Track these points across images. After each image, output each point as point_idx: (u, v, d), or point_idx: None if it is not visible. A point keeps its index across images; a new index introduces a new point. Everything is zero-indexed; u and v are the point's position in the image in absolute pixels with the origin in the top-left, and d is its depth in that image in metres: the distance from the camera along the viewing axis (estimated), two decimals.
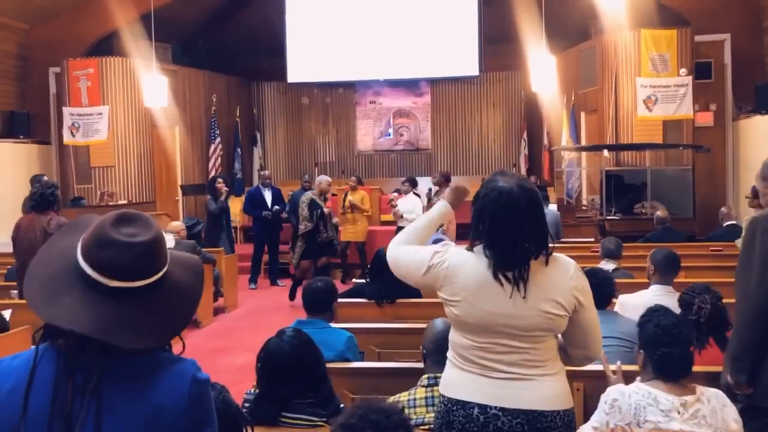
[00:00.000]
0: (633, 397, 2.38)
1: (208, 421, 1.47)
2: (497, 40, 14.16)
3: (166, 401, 1.41)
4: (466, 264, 2.23)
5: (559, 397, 2.21)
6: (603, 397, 2.46)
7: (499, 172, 2.27)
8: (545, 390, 2.18)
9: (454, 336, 2.29)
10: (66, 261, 1.46)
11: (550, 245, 2.22)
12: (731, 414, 2.39)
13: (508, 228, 2.16)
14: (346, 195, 10.25)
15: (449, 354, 2.32)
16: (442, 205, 2.54)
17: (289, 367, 2.59)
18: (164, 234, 1.57)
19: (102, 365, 1.39)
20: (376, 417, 1.57)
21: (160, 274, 1.46)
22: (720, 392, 2.43)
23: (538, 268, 2.19)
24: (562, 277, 2.21)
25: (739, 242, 6.02)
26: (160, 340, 1.47)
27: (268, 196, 10.08)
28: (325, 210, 9.13)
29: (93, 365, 1.39)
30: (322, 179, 9.51)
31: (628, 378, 2.72)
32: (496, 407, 2.16)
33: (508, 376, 2.18)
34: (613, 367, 2.82)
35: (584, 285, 2.25)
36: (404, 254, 2.39)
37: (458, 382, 2.24)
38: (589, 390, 3.08)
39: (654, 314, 2.52)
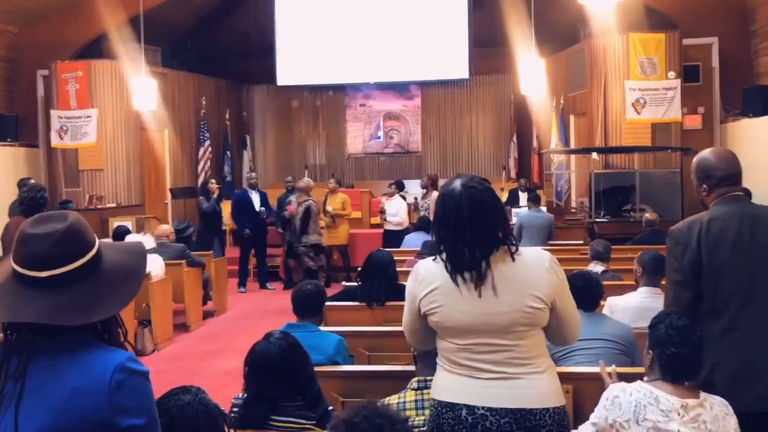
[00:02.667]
0: (634, 395, 2.39)
1: (137, 413, 1.47)
2: (487, 44, 14.21)
3: (86, 383, 1.44)
4: (434, 270, 2.26)
5: (548, 394, 2.20)
6: (605, 394, 2.47)
7: (457, 175, 2.30)
8: (533, 388, 2.18)
9: (440, 342, 2.31)
10: (6, 270, 1.57)
11: (513, 242, 2.23)
12: (732, 424, 2.39)
13: (454, 229, 2.20)
14: (325, 199, 10.16)
15: (438, 359, 2.32)
16: None
17: (277, 370, 2.58)
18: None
19: (31, 348, 1.48)
20: (380, 421, 1.57)
21: (85, 258, 1.53)
22: (725, 401, 2.44)
23: (504, 264, 2.19)
24: (537, 270, 2.21)
25: None
26: (95, 316, 1.52)
27: (255, 198, 10.03)
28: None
29: (24, 349, 1.48)
30: (300, 182, 9.71)
31: (622, 380, 2.74)
32: (483, 407, 2.16)
33: (496, 375, 2.18)
34: (608, 369, 2.84)
35: (561, 275, 2.27)
36: (404, 326, 2.44)
37: (447, 384, 2.25)
38: (579, 392, 3.08)
39: (667, 316, 2.52)
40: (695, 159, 2.89)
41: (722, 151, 2.91)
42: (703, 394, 2.41)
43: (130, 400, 1.46)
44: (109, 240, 1.61)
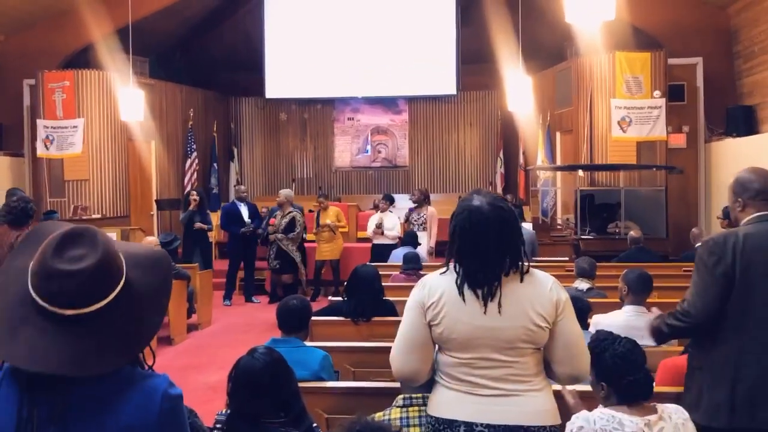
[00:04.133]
0: (598, 422, 2.40)
1: None
2: (474, 60, 14.29)
3: (137, 420, 1.37)
4: (443, 282, 2.28)
5: (545, 412, 2.23)
6: (569, 425, 2.47)
7: (475, 191, 2.32)
8: (531, 405, 2.20)
9: (439, 357, 2.32)
10: (21, 289, 1.38)
11: (525, 263, 2.25)
12: (691, 428, 2.43)
13: (477, 245, 2.21)
14: (318, 215, 10.18)
15: (436, 376, 2.33)
16: None
17: (261, 386, 2.57)
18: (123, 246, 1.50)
19: (66, 396, 1.34)
20: None
21: (115, 292, 1.38)
22: (680, 408, 2.47)
23: (513, 284, 2.22)
24: (541, 290, 2.24)
25: None
26: (127, 357, 1.41)
27: (244, 211, 10.02)
28: (270, 228, 9.63)
29: (57, 395, 1.34)
30: (280, 197, 9.92)
31: (587, 399, 2.75)
32: (481, 424, 2.18)
33: (494, 392, 2.20)
34: (569, 388, 2.84)
35: (564, 298, 2.28)
36: (398, 345, 2.34)
37: (445, 401, 2.26)
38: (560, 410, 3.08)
39: (607, 343, 2.52)
40: (734, 178, 2.92)
41: (759, 168, 2.93)
42: (659, 407, 2.44)
43: (176, 426, 1.43)
44: (133, 245, 1.45)
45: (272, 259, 9.71)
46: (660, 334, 3.01)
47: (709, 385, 2.72)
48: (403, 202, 12.01)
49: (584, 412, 2.50)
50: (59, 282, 1.33)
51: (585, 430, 2.40)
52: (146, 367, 1.50)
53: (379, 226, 9.65)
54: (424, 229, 9.11)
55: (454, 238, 2.27)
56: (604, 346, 2.52)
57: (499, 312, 2.18)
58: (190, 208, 9.91)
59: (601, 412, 2.44)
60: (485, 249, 2.20)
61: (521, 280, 2.23)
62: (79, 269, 1.34)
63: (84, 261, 1.35)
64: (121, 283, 1.40)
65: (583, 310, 3.73)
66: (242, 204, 10.10)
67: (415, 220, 9.29)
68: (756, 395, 2.62)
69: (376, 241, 9.74)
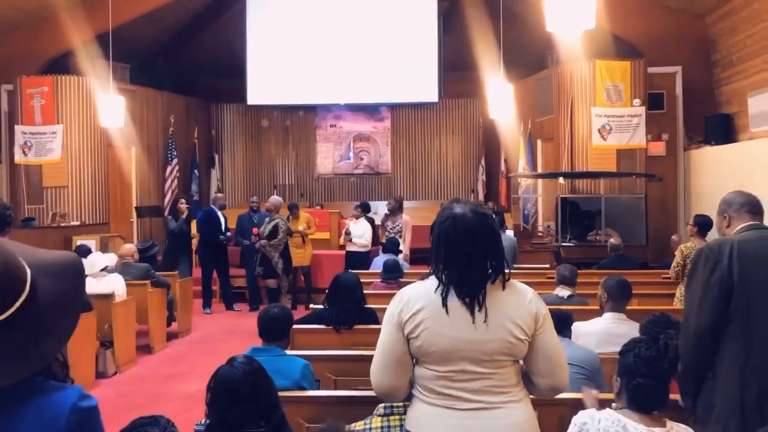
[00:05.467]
0: (602, 422, 2.40)
1: None
2: (456, 68, 14.36)
3: None
4: (423, 293, 2.24)
5: (525, 423, 2.21)
6: (574, 419, 2.48)
7: (455, 200, 2.30)
8: (511, 417, 2.19)
9: (417, 370, 2.28)
10: None
11: (507, 270, 2.24)
12: None
13: (464, 253, 2.18)
14: (288, 221, 10.07)
15: (414, 390, 2.30)
16: None
17: (241, 395, 2.55)
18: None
19: None
20: None
21: (17, 304, 1.31)
22: (691, 430, 2.46)
23: (496, 292, 2.21)
24: (520, 301, 2.23)
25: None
26: (29, 369, 1.34)
27: (222, 219, 9.98)
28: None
29: None
30: (270, 203, 9.89)
31: (601, 405, 2.75)
32: None
33: (474, 405, 2.17)
34: (594, 393, 2.85)
35: (543, 310, 2.26)
36: (376, 360, 2.30)
37: (424, 417, 2.23)
38: (542, 418, 3.08)
39: (637, 344, 2.54)
40: (722, 198, 3.01)
41: (742, 190, 3.03)
42: (669, 423, 2.43)
43: None
44: (42, 252, 1.39)
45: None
46: (682, 390, 2.86)
47: (720, 394, 2.71)
48: (385, 209, 12.00)
49: (591, 410, 2.51)
50: None
51: (588, 426, 2.41)
52: (68, 379, 1.45)
53: (348, 233, 9.71)
54: (400, 236, 9.18)
55: (439, 245, 2.23)
56: (633, 345, 2.53)
57: (485, 322, 2.15)
58: (183, 216, 9.84)
59: (608, 414, 2.44)
60: (472, 257, 2.18)
61: (503, 289, 2.22)
62: None
63: None
64: (23, 295, 1.34)
65: (564, 321, 3.72)
66: (220, 212, 10.05)
67: (391, 228, 9.35)
68: (765, 398, 2.62)
69: (348, 248, 9.81)
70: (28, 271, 1.37)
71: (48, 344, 1.37)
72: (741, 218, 2.86)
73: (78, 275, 1.46)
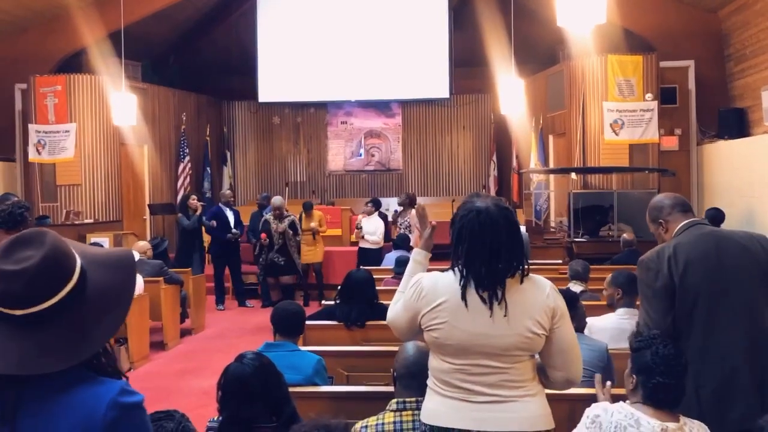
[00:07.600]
0: (615, 416, 2.40)
1: None
2: (467, 64, 14.33)
3: (79, 427, 1.32)
4: (443, 286, 2.25)
5: (541, 417, 2.22)
6: (587, 411, 2.48)
7: (475, 194, 2.32)
8: (526, 411, 2.20)
9: (433, 362, 2.30)
10: None
11: (526, 265, 2.25)
12: None
13: (487, 247, 2.19)
14: (300, 218, 10.08)
15: (429, 382, 2.31)
16: (417, 254, 2.61)
17: (252, 391, 2.57)
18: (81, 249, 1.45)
19: (17, 394, 1.32)
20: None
21: (65, 290, 1.35)
22: (704, 425, 2.45)
23: (514, 286, 2.22)
24: (538, 295, 2.24)
25: None
26: (75, 359, 1.35)
27: (230, 216, 9.99)
28: (278, 228, 9.45)
29: (8, 395, 1.32)
30: (274, 200, 9.79)
31: (614, 400, 2.75)
32: None
33: (490, 399, 2.18)
34: (608, 386, 2.85)
35: (560, 304, 2.27)
36: (392, 312, 2.44)
37: (440, 409, 2.24)
38: (553, 413, 3.08)
39: (653, 342, 2.51)
40: (650, 204, 3.02)
41: (666, 193, 3.09)
42: (683, 419, 2.42)
43: None
44: (95, 247, 1.42)
45: (277, 256, 9.55)
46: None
47: None
48: (397, 205, 12.01)
49: (605, 403, 2.50)
50: (5, 283, 1.32)
51: (601, 418, 2.41)
52: (122, 374, 1.45)
53: (359, 227, 9.71)
54: (410, 231, 9.18)
55: (461, 239, 2.23)
56: (649, 342, 2.51)
57: (505, 317, 2.16)
58: (197, 213, 9.84)
59: (621, 407, 2.43)
60: (496, 251, 2.19)
61: (521, 283, 2.23)
62: (23, 269, 1.33)
63: (27, 261, 1.34)
64: (72, 281, 1.36)
65: (570, 301, 3.71)
66: (228, 209, 10.07)
67: (401, 223, 9.36)
68: (720, 398, 2.62)
69: (360, 245, 9.81)
70: (78, 259, 1.39)
71: (96, 333, 1.38)
72: (676, 220, 2.86)
73: (129, 268, 1.48)
